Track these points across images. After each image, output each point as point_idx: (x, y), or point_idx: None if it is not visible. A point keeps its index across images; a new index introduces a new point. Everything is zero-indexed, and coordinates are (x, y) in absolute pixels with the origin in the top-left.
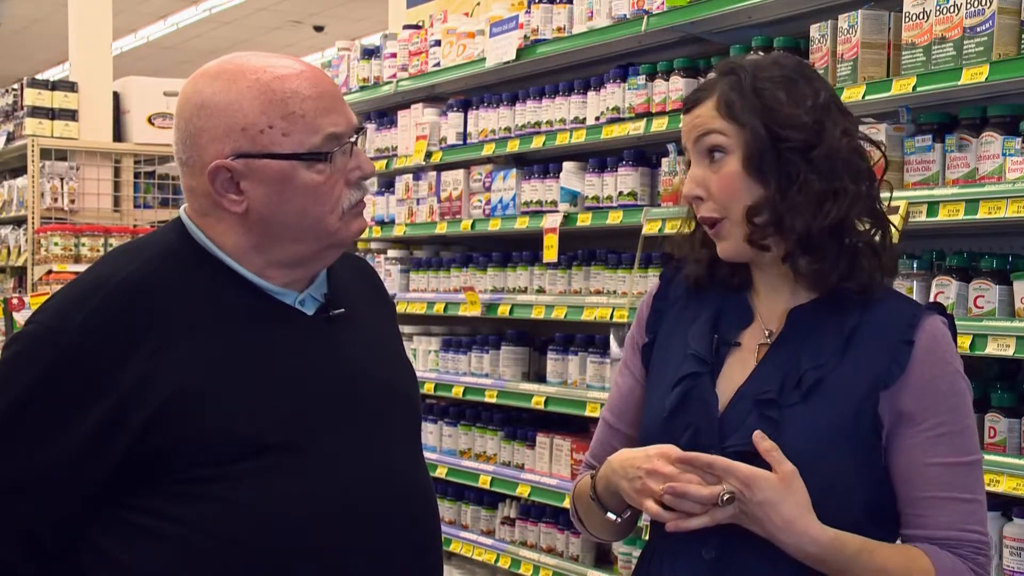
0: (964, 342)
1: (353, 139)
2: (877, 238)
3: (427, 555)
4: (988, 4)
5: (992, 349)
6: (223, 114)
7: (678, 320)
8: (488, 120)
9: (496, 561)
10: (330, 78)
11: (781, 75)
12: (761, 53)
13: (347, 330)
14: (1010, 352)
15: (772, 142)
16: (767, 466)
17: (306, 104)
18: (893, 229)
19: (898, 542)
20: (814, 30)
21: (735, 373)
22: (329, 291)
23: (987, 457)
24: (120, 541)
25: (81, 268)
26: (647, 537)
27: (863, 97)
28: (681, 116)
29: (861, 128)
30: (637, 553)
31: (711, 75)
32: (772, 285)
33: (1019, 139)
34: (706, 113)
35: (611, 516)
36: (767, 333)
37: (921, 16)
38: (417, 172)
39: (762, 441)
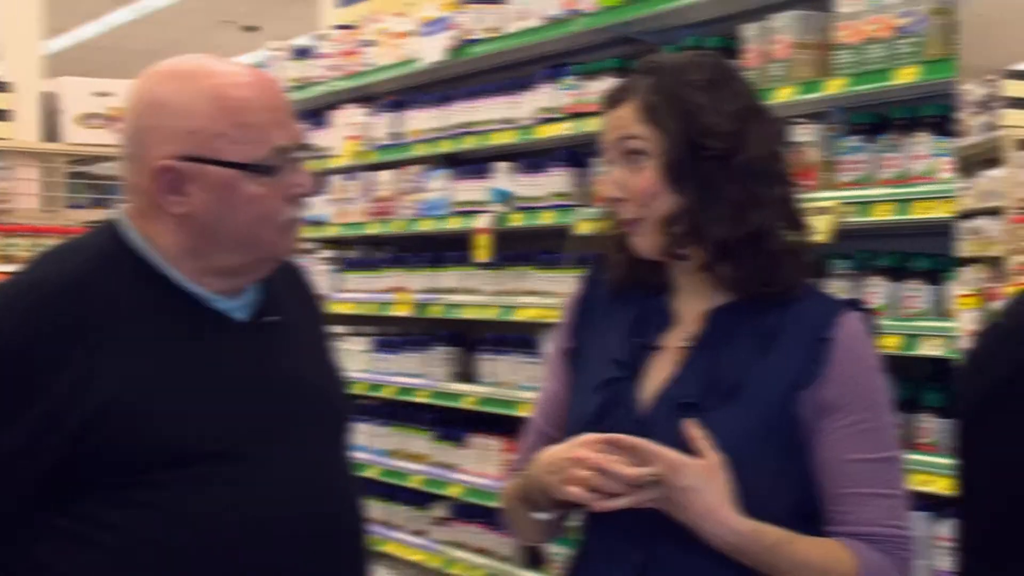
0: (896, 343)
1: (298, 155)
2: (798, 240)
3: (358, 560)
4: (919, 5)
5: (924, 350)
6: (175, 115)
7: (601, 324)
8: (420, 120)
9: (428, 562)
10: (282, 91)
11: (702, 78)
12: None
13: (280, 336)
14: (941, 353)
15: (691, 150)
16: None
17: (258, 115)
18: (816, 230)
19: None
20: (746, 31)
21: (656, 377)
22: (263, 297)
23: (919, 458)
24: (53, 548)
25: (12, 268)
26: (585, 535)
27: (795, 98)
28: (601, 114)
29: (792, 129)
30: (569, 554)
31: (632, 75)
32: (692, 286)
33: (950, 139)
34: (627, 116)
35: (538, 516)
36: (688, 335)
37: (853, 16)
38: (349, 172)
39: (693, 429)
